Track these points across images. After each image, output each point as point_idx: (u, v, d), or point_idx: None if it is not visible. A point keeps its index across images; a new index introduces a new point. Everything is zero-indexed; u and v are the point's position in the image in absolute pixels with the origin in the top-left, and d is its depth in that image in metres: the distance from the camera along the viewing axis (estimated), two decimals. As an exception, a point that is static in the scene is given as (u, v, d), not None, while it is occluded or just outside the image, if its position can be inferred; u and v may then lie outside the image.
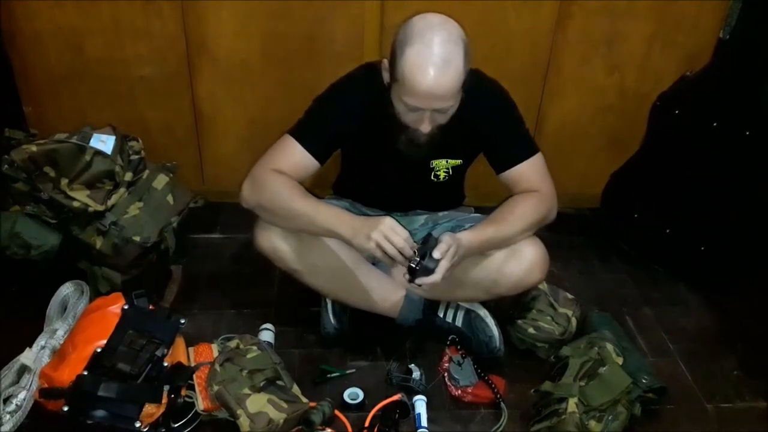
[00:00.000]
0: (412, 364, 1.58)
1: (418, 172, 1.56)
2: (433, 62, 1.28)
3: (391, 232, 1.34)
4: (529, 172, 1.53)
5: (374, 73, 1.45)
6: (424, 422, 1.47)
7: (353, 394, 1.53)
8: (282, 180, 1.43)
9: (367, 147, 1.50)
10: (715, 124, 1.84)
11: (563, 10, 1.95)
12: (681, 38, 2.01)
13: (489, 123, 1.50)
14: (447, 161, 1.56)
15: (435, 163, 1.55)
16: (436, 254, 1.34)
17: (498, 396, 1.55)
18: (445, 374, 1.58)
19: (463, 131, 1.42)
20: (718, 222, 1.91)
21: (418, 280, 1.36)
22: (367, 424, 1.46)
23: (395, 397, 1.51)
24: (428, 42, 1.28)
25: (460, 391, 1.56)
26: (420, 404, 1.50)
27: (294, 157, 1.46)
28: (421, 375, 1.56)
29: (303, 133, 1.47)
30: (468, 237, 1.42)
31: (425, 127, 1.37)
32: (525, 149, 1.53)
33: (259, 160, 1.50)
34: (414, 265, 1.35)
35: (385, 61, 1.38)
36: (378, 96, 1.42)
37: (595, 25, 1.98)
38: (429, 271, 1.34)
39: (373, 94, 1.43)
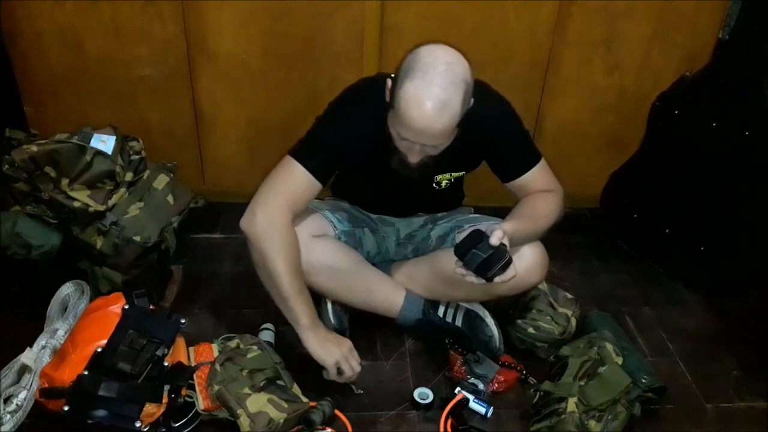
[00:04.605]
0: (472, 378, 1.57)
1: (420, 184, 1.54)
2: (430, 103, 1.25)
3: (345, 361, 1.45)
4: (537, 178, 1.54)
5: (376, 91, 1.42)
6: (481, 409, 1.52)
7: (423, 394, 1.54)
8: (280, 243, 1.42)
9: (368, 163, 1.49)
10: (714, 124, 1.85)
11: (563, 10, 1.95)
12: (680, 38, 2.02)
13: (495, 138, 1.49)
14: (450, 174, 1.56)
15: (439, 177, 1.55)
16: (493, 240, 1.30)
17: (524, 373, 1.60)
18: (469, 377, 1.57)
19: (468, 147, 1.41)
20: (718, 222, 1.91)
21: (499, 278, 1.32)
22: (449, 429, 1.47)
23: (459, 396, 1.52)
24: (429, 80, 1.25)
25: (496, 385, 1.57)
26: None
27: (297, 180, 1.43)
28: (484, 386, 1.56)
29: (306, 155, 1.44)
30: (511, 228, 1.38)
31: (413, 158, 1.37)
32: (530, 159, 1.54)
33: (261, 186, 1.46)
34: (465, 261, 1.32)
35: (389, 81, 1.35)
36: (380, 115, 1.40)
37: (594, 26, 1.98)
38: (501, 260, 1.30)
39: (376, 113, 1.41)
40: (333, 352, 1.45)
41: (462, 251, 1.33)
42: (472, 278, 1.33)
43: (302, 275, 1.46)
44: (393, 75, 1.39)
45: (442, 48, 1.31)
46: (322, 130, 1.47)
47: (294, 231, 1.46)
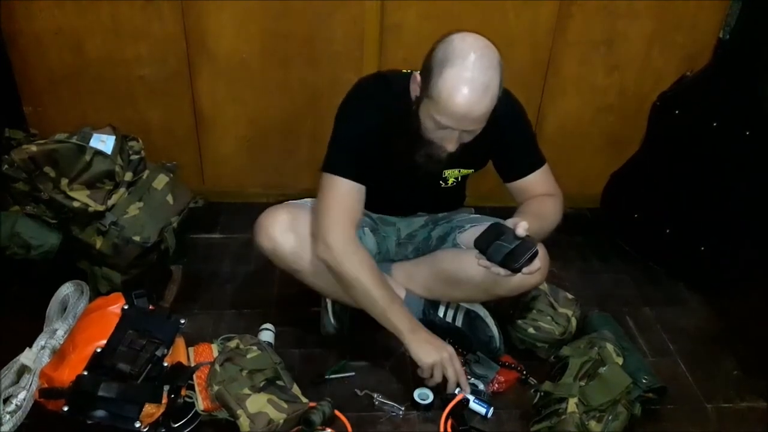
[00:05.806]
0: (472, 379, 1.57)
1: (428, 180, 1.55)
2: (473, 87, 1.26)
3: (449, 364, 1.48)
4: (539, 181, 1.55)
5: (380, 87, 1.44)
6: (481, 409, 1.51)
7: (423, 395, 1.54)
8: (360, 262, 1.45)
9: (381, 160, 1.49)
10: (715, 124, 1.84)
11: (563, 10, 1.95)
12: (681, 38, 2.02)
13: (507, 137, 1.50)
14: (459, 170, 1.56)
15: (448, 172, 1.55)
16: (520, 231, 1.30)
17: (524, 373, 1.60)
18: (469, 377, 1.57)
19: (481, 143, 1.41)
20: (718, 222, 1.91)
21: (527, 269, 1.31)
22: (449, 429, 1.47)
23: (459, 397, 1.51)
24: (469, 65, 1.27)
25: (496, 385, 1.57)
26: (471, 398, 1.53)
27: (345, 193, 1.45)
28: (484, 387, 1.57)
29: (339, 165, 1.45)
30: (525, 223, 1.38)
31: (451, 146, 1.37)
32: (535, 161, 1.55)
33: (317, 212, 1.47)
34: (492, 255, 1.30)
35: (417, 75, 1.36)
36: (392, 111, 1.41)
37: (595, 25, 1.98)
38: (529, 251, 1.29)
39: (380, 109, 1.42)
40: (431, 354, 1.47)
41: (484, 244, 1.32)
42: (498, 270, 1.33)
43: (388, 285, 1.50)
44: (408, 71, 1.41)
45: (473, 35, 1.32)
46: (339, 135, 1.48)
47: (364, 246, 1.50)
